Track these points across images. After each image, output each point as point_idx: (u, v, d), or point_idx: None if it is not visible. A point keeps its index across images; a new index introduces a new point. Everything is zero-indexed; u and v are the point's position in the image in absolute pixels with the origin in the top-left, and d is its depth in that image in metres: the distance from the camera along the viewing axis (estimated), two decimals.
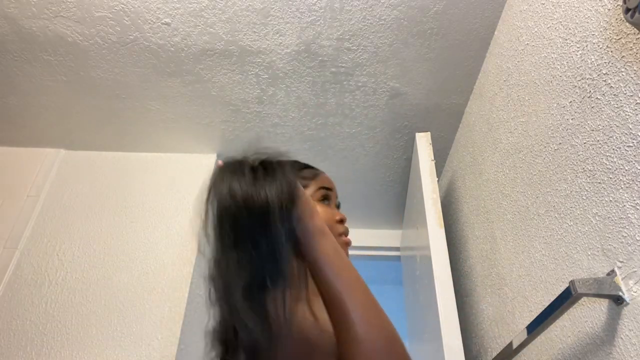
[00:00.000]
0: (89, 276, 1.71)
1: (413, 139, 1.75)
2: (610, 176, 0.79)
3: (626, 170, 0.75)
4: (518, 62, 1.25)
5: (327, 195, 0.93)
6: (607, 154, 0.81)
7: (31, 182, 1.94)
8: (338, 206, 0.97)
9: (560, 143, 0.98)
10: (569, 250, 0.91)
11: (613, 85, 0.80)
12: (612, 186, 0.79)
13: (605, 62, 0.83)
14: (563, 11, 1.02)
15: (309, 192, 0.92)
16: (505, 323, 1.23)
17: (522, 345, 0.89)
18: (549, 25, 1.08)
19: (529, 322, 0.87)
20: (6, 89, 1.77)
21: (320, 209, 0.87)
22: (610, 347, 0.75)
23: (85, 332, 1.60)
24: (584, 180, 0.88)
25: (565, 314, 0.78)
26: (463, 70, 1.61)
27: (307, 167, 0.98)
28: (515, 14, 1.30)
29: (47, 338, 1.59)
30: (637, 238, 0.71)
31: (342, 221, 0.91)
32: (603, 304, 0.78)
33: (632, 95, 0.75)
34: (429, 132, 1.69)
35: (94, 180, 1.96)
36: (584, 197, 0.87)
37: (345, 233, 0.90)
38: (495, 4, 1.40)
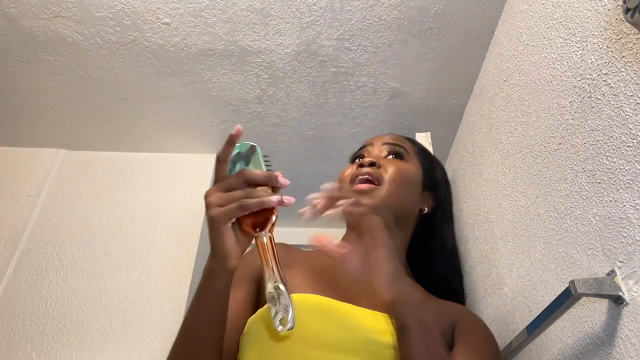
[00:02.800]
0: (89, 276, 1.71)
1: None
2: (610, 176, 0.79)
3: (626, 170, 0.75)
4: (518, 62, 1.25)
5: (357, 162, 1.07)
6: (607, 154, 0.81)
7: (31, 182, 1.94)
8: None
9: (560, 143, 0.98)
10: (569, 250, 0.91)
11: (613, 85, 0.80)
12: (612, 186, 0.79)
13: (605, 62, 0.83)
14: (563, 11, 1.02)
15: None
16: (505, 323, 1.23)
17: (522, 345, 0.89)
18: (549, 25, 1.08)
19: (529, 322, 0.86)
20: (6, 89, 1.77)
21: None
22: (610, 347, 0.75)
23: (85, 332, 1.60)
24: (584, 180, 0.88)
25: (565, 314, 0.78)
26: (463, 70, 1.61)
27: None
28: (515, 14, 1.30)
29: (47, 338, 1.59)
30: (637, 238, 0.71)
31: (361, 165, 1.02)
32: (603, 304, 0.78)
33: (632, 95, 0.75)
34: (429, 132, 1.69)
35: (94, 180, 1.96)
36: (584, 197, 0.87)
37: (356, 176, 1.00)
38: (495, 4, 1.40)
